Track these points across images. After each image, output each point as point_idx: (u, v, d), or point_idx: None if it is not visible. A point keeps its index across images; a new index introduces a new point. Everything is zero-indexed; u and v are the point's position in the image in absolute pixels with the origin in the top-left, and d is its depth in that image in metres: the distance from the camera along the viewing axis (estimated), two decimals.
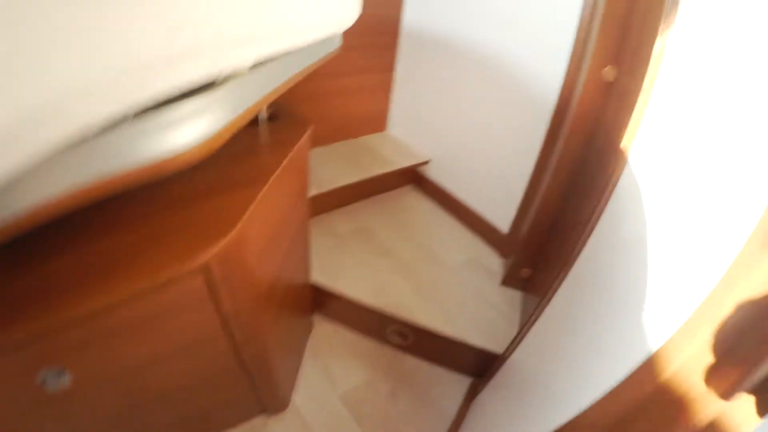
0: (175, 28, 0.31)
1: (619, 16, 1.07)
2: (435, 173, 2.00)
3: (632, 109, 0.79)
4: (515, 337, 1.19)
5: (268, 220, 0.79)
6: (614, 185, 0.81)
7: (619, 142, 0.83)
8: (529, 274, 1.52)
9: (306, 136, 0.95)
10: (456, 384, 1.42)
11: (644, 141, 0.74)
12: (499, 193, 1.71)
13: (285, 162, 0.81)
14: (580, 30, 1.25)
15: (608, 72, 1.12)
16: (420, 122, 1.97)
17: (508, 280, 1.58)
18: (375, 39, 1.80)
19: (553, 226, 1.40)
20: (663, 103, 0.70)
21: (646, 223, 0.65)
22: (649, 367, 0.49)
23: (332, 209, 1.84)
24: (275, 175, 0.76)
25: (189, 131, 0.42)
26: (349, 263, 1.56)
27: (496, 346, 1.31)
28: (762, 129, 0.44)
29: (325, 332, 1.52)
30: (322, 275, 1.46)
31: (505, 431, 0.91)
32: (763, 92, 0.46)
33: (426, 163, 1.98)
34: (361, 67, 1.83)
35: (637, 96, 0.79)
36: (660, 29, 0.71)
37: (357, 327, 1.53)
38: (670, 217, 0.59)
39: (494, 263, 1.71)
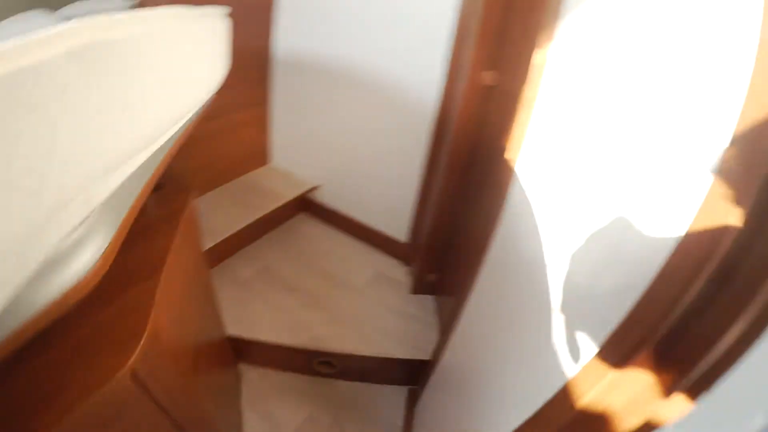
0: (35, 192, 0.29)
1: (496, 23, 1.17)
2: (325, 197, 2.01)
3: (515, 112, 0.88)
4: (440, 341, 1.26)
5: (174, 299, 0.76)
6: (506, 189, 0.90)
7: (505, 145, 0.91)
8: (435, 277, 1.61)
9: (192, 200, 0.92)
10: (394, 396, 1.45)
11: (530, 149, 0.83)
12: (392, 204, 1.78)
13: (177, 237, 0.79)
14: (456, 38, 1.35)
15: (488, 76, 1.22)
16: (304, 149, 1.97)
17: (417, 287, 1.66)
18: (247, 73, 1.76)
19: (452, 228, 1.50)
20: (546, 110, 0.78)
21: (539, 235, 0.72)
22: (563, 396, 0.56)
23: (231, 255, 1.76)
24: (170, 255, 0.74)
25: (80, 259, 0.40)
26: (260, 307, 1.50)
27: (422, 353, 1.37)
28: (638, 139, 0.53)
29: (255, 379, 1.45)
30: (236, 326, 1.39)
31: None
32: (640, 104, 0.54)
33: (315, 188, 1.99)
34: (235, 104, 1.76)
35: (518, 98, 0.87)
36: (540, 39, 0.78)
37: (283, 367, 1.48)
38: (555, 232, 0.67)
39: (400, 274, 1.78)
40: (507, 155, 0.90)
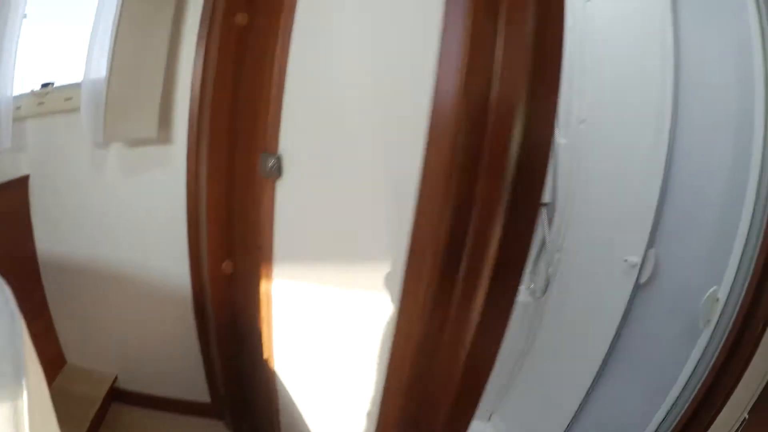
0: None
1: (224, 220, 1.53)
2: (127, 383, 2.03)
3: (259, 301, 1.30)
4: None
5: None
6: (273, 381, 1.34)
7: (259, 320, 1.33)
8: (251, 424, 1.87)
9: None
10: None
11: (279, 351, 1.29)
12: (185, 374, 1.98)
13: None
14: (190, 236, 1.67)
15: (227, 266, 1.60)
16: (93, 342, 2.01)
17: None
18: (21, 284, 1.45)
19: (244, 383, 1.81)
20: (280, 318, 1.25)
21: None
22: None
23: None
24: None
25: None
26: None
27: None
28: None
29: None
30: None
31: None
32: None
33: (116, 378, 2.01)
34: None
35: (258, 300, 1.30)
36: (265, 275, 1.21)
37: None
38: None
39: (218, 429, 1.96)
40: (266, 355, 1.33)
